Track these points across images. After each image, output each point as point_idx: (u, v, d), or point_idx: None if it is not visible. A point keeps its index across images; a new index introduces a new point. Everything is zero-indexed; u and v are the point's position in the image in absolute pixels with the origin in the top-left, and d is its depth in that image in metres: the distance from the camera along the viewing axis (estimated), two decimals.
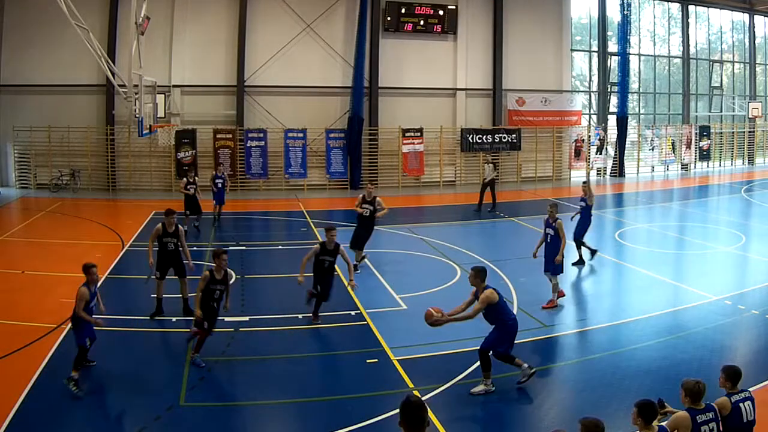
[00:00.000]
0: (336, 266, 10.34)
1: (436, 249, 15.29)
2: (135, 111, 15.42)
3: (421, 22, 26.60)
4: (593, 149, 29.90)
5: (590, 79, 31.85)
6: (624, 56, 29.29)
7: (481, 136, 27.51)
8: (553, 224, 11.10)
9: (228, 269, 9.04)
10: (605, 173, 30.73)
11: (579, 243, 13.88)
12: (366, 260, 13.29)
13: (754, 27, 35.49)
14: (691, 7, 33.42)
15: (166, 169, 24.73)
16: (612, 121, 30.63)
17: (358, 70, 25.32)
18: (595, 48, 31.15)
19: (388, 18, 26.19)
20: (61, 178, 23.88)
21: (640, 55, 32.57)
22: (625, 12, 29.11)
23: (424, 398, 7.26)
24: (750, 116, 34.63)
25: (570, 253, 13.10)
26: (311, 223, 18.40)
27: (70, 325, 8.50)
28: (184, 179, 17.15)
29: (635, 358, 8.82)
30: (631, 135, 30.98)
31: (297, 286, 10.16)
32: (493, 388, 7.70)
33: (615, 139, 30.16)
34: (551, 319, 10.44)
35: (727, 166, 35.04)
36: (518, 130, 28.03)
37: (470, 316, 7.68)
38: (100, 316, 8.14)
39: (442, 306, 7.88)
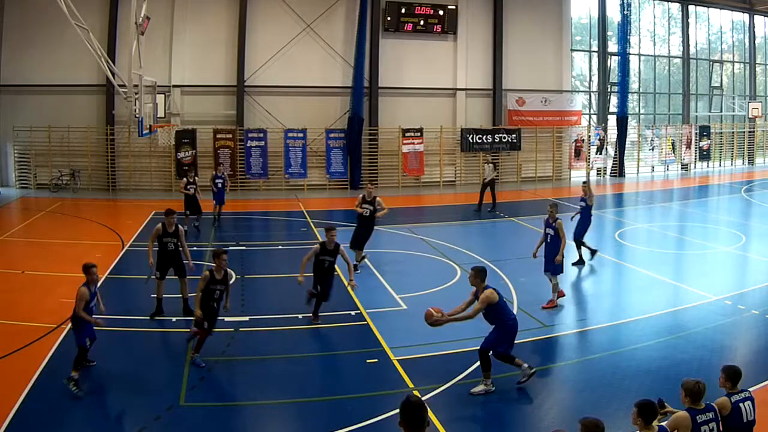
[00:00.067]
0: (336, 266, 10.34)
1: (436, 249, 15.29)
2: (135, 111, 15.42)
3: (421, 22, 26.61)
4: (593, 149, 29.91)
5: (590, 79, 31.85)
6: (624, 56, 29.29)
7: (481, 136, 27.51)
8: (553, 224, 11.10)
9: (228, 269, 9.04)
10: (605, 173, 30.73)
11: (579, 243, 13.89)
12: (366, 260, 13.29)
13: (754, 27, 35.49)
14: (691, 7, 33.42)
15: (166, 169, 24.74)
16: (612, 121, 30.63)
17: (358, 70, 25.32)
18: (595, 48, 31.15)
19: (388, 18, 26.20)
20: (61, 178, 23.88)
21: (640, 55, 32.57)
22: (625, 12, 29.12)
23: (424, 398, 7.26)
24: (750, 116, 34.63)
25: (570, 253, 13.10)
26: (311, 223, 18.40)
27: (70, 325, 8.50)
28: (184, 179, 17.15)
29: (635, 358, 8.82)
30: (631, 135, 30.98)
31: (297, 286, 10.16)
32: (493, 388, 7.70)
33: (615, 139, 30.17)
34: (551, 319, 10.44)
35: (727, 166, 35.04)
36: (518, 130, 28.03)
37: (470, 316, 7.69)
38: (100, 316, 8.14)
39: (442, 306, 7.88)
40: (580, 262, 13.76)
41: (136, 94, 15.33)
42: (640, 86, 33.04)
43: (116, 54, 23.03)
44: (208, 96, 24.96)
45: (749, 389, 5.73)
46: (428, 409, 4.23)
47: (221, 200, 17.87)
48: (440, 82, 27.40)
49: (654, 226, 19.03)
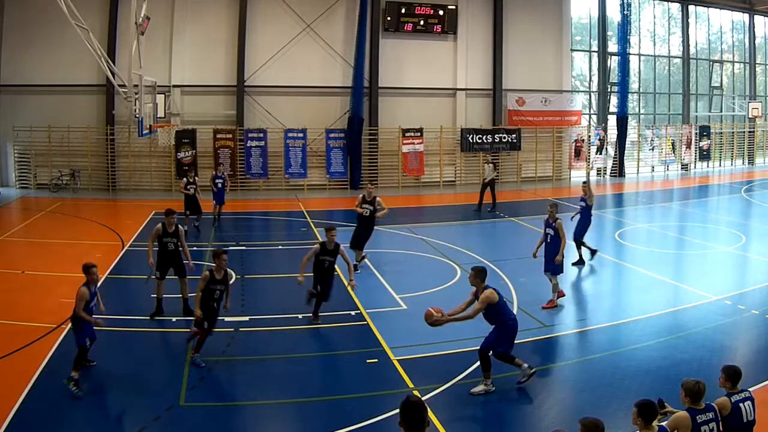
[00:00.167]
0: (336, 266, 10.34)
1: (436, 249, 15.29)
2: (135, 111, 15.42)
3: (421, 22, 26.61)
4: (593, 149, 29.91)
5: (590, 79, 31.85)
6: (624, 56, 29.29)
7: (481, 136, 27.52)
8: (553, 224, 11.10)
9: (228, 269, 9.03)
10: (605, 173, 30.73)
11: (579, 243, 13.88)
12: (366, 260, 13.29)
13: (754, 27, 35.49)
14: (691, 7, 33.42)
15: (166, 169, 24.74)
16: (612, 121, 30.64)
17: (358, 70, 25.32)
18: (595, 48, 31.15)
19: (388, 18, 26.20)
20: (61, 178, 23.88)
21: (640, 55, 32.57)
22: (625, 12, 29.12)
23: (424, 398, 7.26)
24: (750, 116, 34.63)
25: (570, 253, 13.10)
26: (311, 223, 18.40)
27: (70, 325, 8.50)
28: (184, 179, 17.14)
29: (635, 358, 8.82)
30: (631, 135, 30.98)
31: (297, 286, 10.17)
32: (493, 388, 7.70)
33: (615, 139, 30.17)
34: (551, 319, 10.44)
35: (727, 166, 35.04)
36: (518, 130, 28.03)
37: (470, 316, 7.69)
38: (100, 316, 8.14)
39: (442, 306, 7.87)
40: (579, 262, 13.76)
41: (136, 94, 15.33)
42: (640, 86, 33.05)
43: (116, 54, 23.03)
44: (208, 96, 24.96)
45: (749, 389, 5.73)
46: (428, 409, 4.24)
47: (221, 200, 17.87)
48: (440, 82, 27.40)
49: (654, 226, 19.03)
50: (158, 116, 20.29)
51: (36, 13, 22.95)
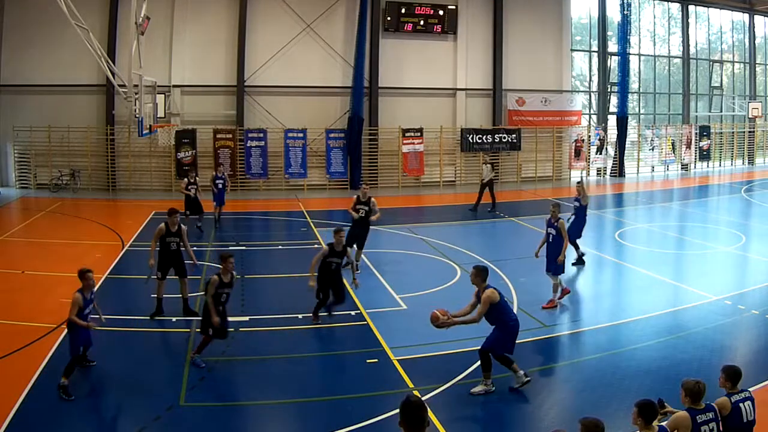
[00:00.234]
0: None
1: (436, 249, 15.29)
2: (135, 111, 15.42)
3: (421, 22, 26.61)
4: (593, 149, 29.91)
5: (590, 79, 31.85)
6: (624, 56, 29.29)
7: (481, 136, 27.52)
8: (555, 224, 11.10)
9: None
10: (605, 173, 30.73)
11: (574, 244, 13.84)
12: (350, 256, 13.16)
13: (754, 27, 35.48)
14: (691, 7, 33.42)
15: (166, 169, 24.74)
16: (612, 121, 30.63)
17: (358, 70, 25.32)
18: (595, 48, 31.15)
19: (388, 18, 26.19)
20: (61, 178, 23.88)
21: (640, 55, 32.57)
22: (625, 12, 29.11)
23: (424, 398, 7.26)
24: (750, 116, 34.62)
25: (569, 253, 13.07)
26: (311, 223, 18.39)
27: (66, 330, 8.43)
28: (186, 179, 17.04)
29: (635, 358, 8.82)
30: (631, 135, 30.98)
31: (297, 286, 10.20)
32: (494, 388, 7.70)
33: (615, 139, 30.16)
34: (551, 319, 10.44)
35: (727, 166, 35.04)
36: (518, 130, 28.03)
37: (476, 320, 7.65)
38: (100, 328, 8.01)
39: (443, 307, 7.85)
40: (579, 262, 13.76)
41: (136, 94, 15.33)
42: (640, 86, 33.04)
43: (116, 54, 23.03)
44: (208, 96, 24.95)
45: (749, 389, 5.73)
46: (428, 409, 4.24)
47: (221, 201, 17.76)
48: (440, 82, 27.40)
49: (654, 226, 19.03)
50: (158, 116, 20.29)
51: (36, 13, 22.95)
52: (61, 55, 23.03)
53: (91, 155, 24.04)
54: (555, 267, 10.94)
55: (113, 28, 23.42)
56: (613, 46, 30.80)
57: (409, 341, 9.22)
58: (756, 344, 9.49)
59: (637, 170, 31.45)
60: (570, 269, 13.16)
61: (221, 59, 24.87)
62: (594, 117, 31.55)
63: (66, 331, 8.11)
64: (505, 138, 27.85)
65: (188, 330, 9.73)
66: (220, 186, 17.68)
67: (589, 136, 29.86)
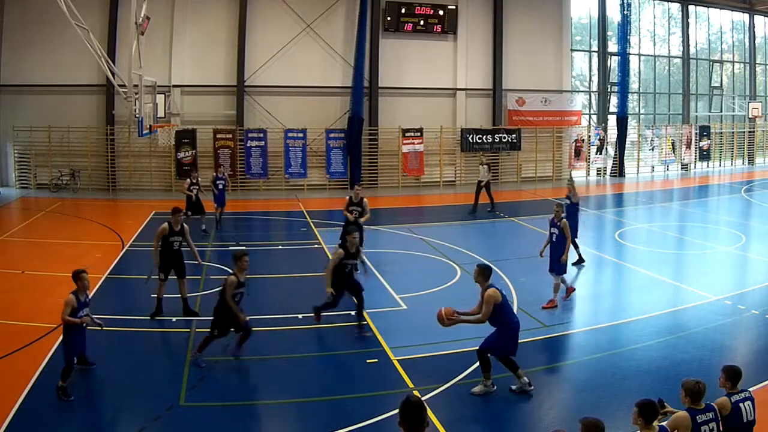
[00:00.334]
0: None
1: (436, 249, 15.29)
2: (135, 111, 15.41)
3: (421, 22, 26.61)
4: (593, 149, 29.91)
5: (590, 79, 31.85)
6: (624, 56, 29.29)
7: (481, 136, 27.51)
8: (559, 224, 11.11)
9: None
10: (605, 173, 30.73)
11: (573, 243, 13.81)
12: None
13: (754, 27, 35.48)
14: (691, 7, 33.42)
15: (166, 169, 24.73)
16: (612, 121, 30.63)
17: (358, 70, 25.32)
18: (595, 48, 31.15)
19: (388, 18, 26.20)
20: (61, 178, 23.88)
21: (640, 55, 32.57)
22: (625, 12, 29.11)
23: (424, 398, 7.26)
24: (750, 116, 34.62)
25: (570, 253, 13.06)
26: (311, 223, 18.39)
27: (61, 338, 8.18)
28: (188, 180, 16.92)
29: (635, 358, 8.81)
30: (631, 135, 30.98)
31: (297, 286, 10.19)
32: (494, 388, 7.69)
33: (615, 139, 30.16)
34: (551, 319, 10.44)
35: (727, 166, 35.04)
36: (518, 130, 28.03)
37: (481, 321, 7.63)
38: (100, 328, 7.99)
39: (444, 307, 7.83)
40: (579, 262, 13.76)
41: (136, 94, 15.32)
42: (640, 86, 33.04)
43: (116, 54, 23.03)
44: (208, 96, 24.96)
45: (749, 389, 5.73)
46: (428, 409, 4.24)
47: (222, 203, 17.65)
48: (440, 82, 27.40)
49: (654, 226, 19.03)
50: (158, 116, 20.26)
51: (36, 13, 22.95)
52: (61, 55, 23.03)
53: (91, 155, 24.04)
54: (558, 267, 10.96)
55: (113, 28, 23.42)
56: (613, 46, 30.80)
57: (409, 341, 9.23)
58: (756, 344, 9.49)
59: (637, 170, 31.44)
60: (570, 269, 13.15)
61: (221, 59, 24.87)
62: (594, 117, 31.56)
63: (60, 339, 7.94)
64: (505, 138, 27.85)
65: (188, 330, 9.73)
66: (221, 186, 17.62)
67: (589, 136, 29.86)
